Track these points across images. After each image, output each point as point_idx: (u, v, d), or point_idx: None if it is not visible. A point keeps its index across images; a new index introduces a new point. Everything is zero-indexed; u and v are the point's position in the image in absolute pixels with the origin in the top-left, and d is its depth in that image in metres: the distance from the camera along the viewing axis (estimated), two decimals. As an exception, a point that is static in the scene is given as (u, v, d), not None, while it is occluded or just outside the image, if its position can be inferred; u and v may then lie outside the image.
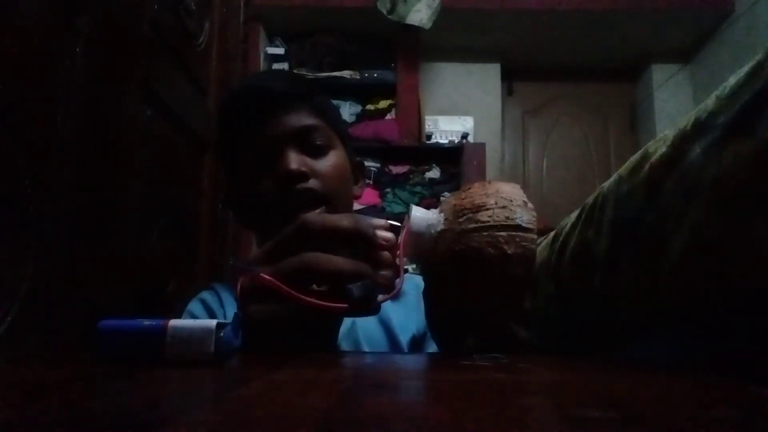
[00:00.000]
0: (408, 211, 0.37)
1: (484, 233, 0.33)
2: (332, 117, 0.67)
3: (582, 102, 3.20)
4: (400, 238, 0.36)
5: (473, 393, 0.20)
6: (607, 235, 0.36)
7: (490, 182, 0.37)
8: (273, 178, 0.59)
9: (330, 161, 0.62)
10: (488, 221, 0.33)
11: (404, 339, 0.60)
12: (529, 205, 0.35)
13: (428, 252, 0.35)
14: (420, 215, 0.36)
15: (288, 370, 0.26)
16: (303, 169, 0.59)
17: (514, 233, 0.33)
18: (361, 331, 0.59)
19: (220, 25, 1.19)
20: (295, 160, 0.59)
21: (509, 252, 0.32)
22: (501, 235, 0.33)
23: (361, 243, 0.35)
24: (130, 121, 0.77)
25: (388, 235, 0.35)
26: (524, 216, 0.34)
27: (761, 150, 0.27)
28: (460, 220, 0.35)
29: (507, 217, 0.33)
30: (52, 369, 0.28)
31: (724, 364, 0.29)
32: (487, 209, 0.34)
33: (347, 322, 0.58)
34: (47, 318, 0.59)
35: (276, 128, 0.61)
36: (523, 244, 0.33)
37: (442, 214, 0.36)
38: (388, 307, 0.61)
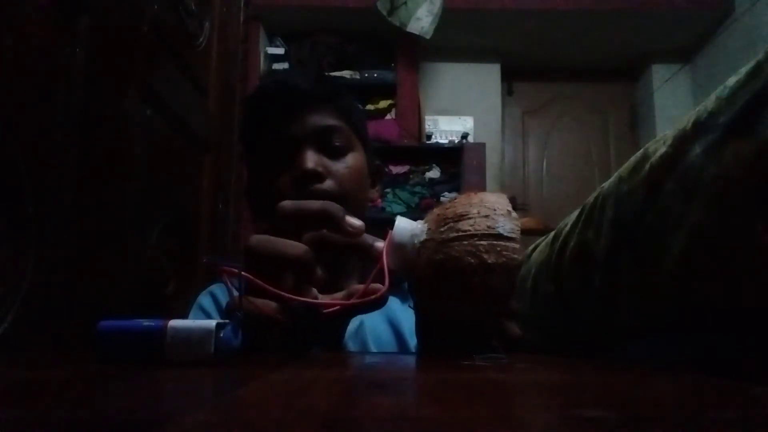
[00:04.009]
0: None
1: (465, 242, 0.33)
2: (355, 119, 0.67)
3: (582, 102, 3.20)
4: (384, 248, 0.36)
5: (473, 393, 0.20)
6: (607, 235, 0.36)
7: (476, 193, 0.36)
8: (290, 177, 0.60)
9: (347, 163, 0.63)
10: (469, 230, 0.33)
11: (413, 342, 0.59)
12: (513, 214, 0.34)
13: (411, 262, 0.35)
14: (403, 225, 0.36)
15: (288, 370, 0.26)
16: (319, 169, 0.59)
17: (495, 242, 0.32)
18: (369, 332, 0.59)
19: (220, 25, 1.19)
20: (312, 160, 0.59)
21: (489, 261, 0.32)
22: (481, 245, 0.32)
23: (328, 225, 0.36)
24: (130, 121, 0.77)
25: (357, 222, 0.36)
26: (507, 225, 0.33)
27: (761, 150, 0.27)
28: (442, 229, 0.34)
29: (488, 226, 0.33)
30: (52, 369, 0.28)
31: (724, 364, 0.29)
32: (469, 218, 0.34)
33: (355, 322, 0.58)
34: (47, 318, 0.59)
35: (297, 127, 0.61)
36: (505, 253, 0.32)
37: (426, 225, 0.36)
38: (398, 310, 0.61)
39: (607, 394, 0.20)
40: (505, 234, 0.33)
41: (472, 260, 0.32)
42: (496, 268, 0.32)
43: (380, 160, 0.74)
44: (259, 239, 0.35)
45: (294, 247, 0.35)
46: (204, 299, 0.67)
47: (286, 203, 0.37)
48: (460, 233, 0.33)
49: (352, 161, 0.63)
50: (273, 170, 0.62)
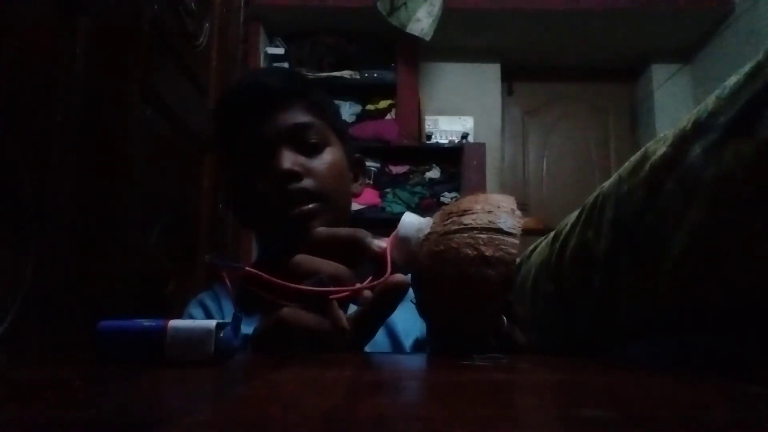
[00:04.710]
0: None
1: (464, 234, 0.33)
2: (329, 113, 0.66)
3: (582, 102, 3.20)
4: (389, 242, 0.37)
5: (473, 393, 0.20)
6: (607, 235, 0.36)
7: (485, 193, 0.37)
8: (268, 178, 0.59)
9: (325, 159, 0.61)
10: (470, 224, 0.33)
11: (407, 343, 0.59)
12: (517, 212, 0.35)
13: (414, 255, 0.36)
14: (410, 220, 0.37)
15: (288, 370, 0.26)
16: (296, 168, 0.58)
17: (494, 236, 0.33)
18: None
19: (220, 25, 1.19)
20: (288, 160, 0.58)
21: (487, 254, 0.32)
22: (481, 237, 0.33)
23: (357, 249, 0.37)
24: (130, 121, 0.77)
25: (384, 244, 0.37)
26: (508, 221, 0.34)
27: (761, 150, 0.27)
28: (446, 222, 0.35)
29: (490, 221, 0.33)
30: (52, 369, 0.28)
31: (724, 364, 0.29)
32: (473, 213, 0.34)
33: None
34: (47, 318, 0.59)
35: (270, 127, 0.60)
36: (502, 247, 0.32)
37: (431, 219, 0.37)
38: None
39: (607, 394, 0.20)
40: (506, 229, 0.33)
41: (470, 252, 0.32)
42: (493, 261, 0.32)
43: (380, 160, 0.74)
44: (303, 258, 0.36)
45: (336, 268, 0.36)
46: (194, 309, 0.67)
47: (319, 230, 0.39)
48: (462, 226, 0.34)
49: (329, 157, 0.62)
50: (250, 173, 0.61)
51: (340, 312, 0.35)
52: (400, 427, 0.14)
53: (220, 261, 0.36)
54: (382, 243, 0.37)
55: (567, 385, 0.23)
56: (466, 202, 0.36)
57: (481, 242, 0.33)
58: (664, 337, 0.35)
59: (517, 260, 0.48)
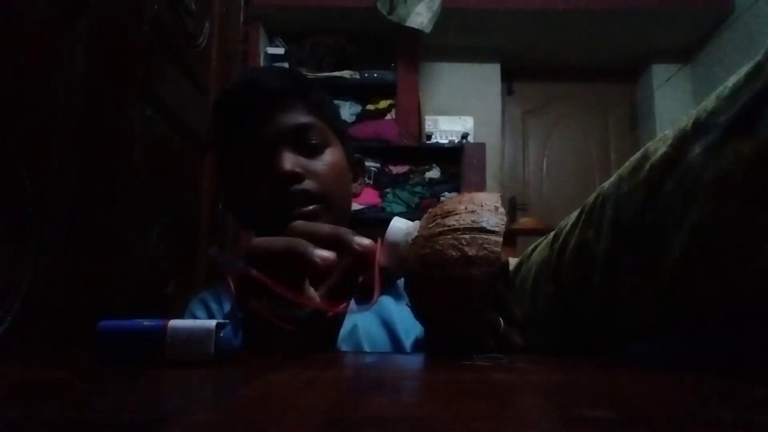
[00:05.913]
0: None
1: (448, 236, 0.34)
2: (329, 113, 0.65)
3: (582, 102, 3.20)
4: (378, 248, 0.36)
5: (473, 393, 0.20)
6: (607, 235, 0.36)
7: (470, 192, 0.38)
8: (268, 180, 0.59)
9: (325, 160, 0.61)
10: (454, 225, 0.34)
11: (408, 342, 0.59)
12: (500, 210, 0.35)
13: (403, 259, 0.36)
14: (398, 225, 0.37)
15: (288, 370, 0.26)
16: (297, 170, 0.58)
17: (477, 235, 0.33)
18: (363, 333, 0.58)
19: (220, 25, 1.19)
20: (289, 161, 0.58)
21: (470, 254, 0.32)
22: (464, 237, 0.33)
23: (339, 247, 0.36)
24: (130, 121, 0.77)
25: (366, 241, 0.37)
26: (491, 219, 0.34)
27: (761, 150, 0.27)
28: (431, 225, 0.35)
29: (473, 221, 0.34)
30: (52, 369, 0.28)
31: (724, 364, 0.29)
32: (456, 214, 0.35)
33: (348, 324, 0.57)
34: (47, 318, 0.59)
35: (269, 127, 0.60)
36: (486, 246, 0.33)
37: (418, 223, 0.37)
38: (392, 310, 0.60)
39: (607, 394, 0.20)
40: (489, 227, 0.33)
41: (454, 253, 0.33)
42: (476, 260, 0.32)
43: (380, 160, 0.74)
44: (300, 222, 0.37)
45: (334, 228, 0.36)
46: (195, 305, 0.67)
47: (298, 223, 0.38)
48: (445, 228, 0.34)
49: (330, 158, 0.62)
50: (250, 175, 0.60)
51: (313, 291, 0.36)
52: (400, 427, 0.14)
53: (224, 259, 0.36)
54: (364, 241, 0.37)
55: (567, 385, 0.23)
56: (451, 203, 0.36)
57: (464, 242, 0.33)
58: (664, 337, 0.35)
59: (518, 260, 0.48)
